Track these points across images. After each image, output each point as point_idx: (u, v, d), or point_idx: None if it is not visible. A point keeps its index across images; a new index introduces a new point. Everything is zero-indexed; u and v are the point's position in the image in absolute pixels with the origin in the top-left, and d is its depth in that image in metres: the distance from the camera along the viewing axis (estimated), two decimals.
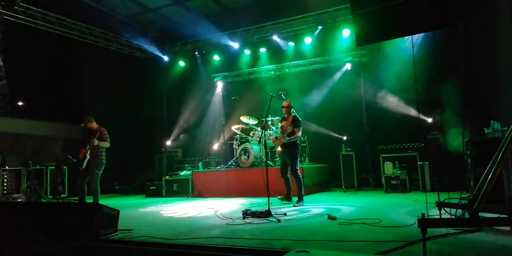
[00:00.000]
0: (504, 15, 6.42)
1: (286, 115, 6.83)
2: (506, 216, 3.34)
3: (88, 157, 6.55)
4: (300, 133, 6.63)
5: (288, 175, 6.77)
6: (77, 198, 6.78)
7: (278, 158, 8.89)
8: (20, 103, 13.64)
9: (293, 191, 6.77)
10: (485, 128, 5.30)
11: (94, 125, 6.88)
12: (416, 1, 3.78)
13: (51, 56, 12.94)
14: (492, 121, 5.18)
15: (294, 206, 6.26)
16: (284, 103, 6.81)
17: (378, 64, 9.63)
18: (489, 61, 7.36)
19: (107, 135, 6.85)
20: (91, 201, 6.49)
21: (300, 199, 6.43)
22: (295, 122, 6.56)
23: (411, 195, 7.34)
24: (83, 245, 3.96)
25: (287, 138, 6.57)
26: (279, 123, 6.95)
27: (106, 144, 6.80)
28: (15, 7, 9.32)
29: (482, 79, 7.39)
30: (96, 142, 6.56)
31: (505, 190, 3.67)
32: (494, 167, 3.28)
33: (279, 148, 6.97)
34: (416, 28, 4.04)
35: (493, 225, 3.35)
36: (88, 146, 6.55)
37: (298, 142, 6.71)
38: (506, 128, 4.97)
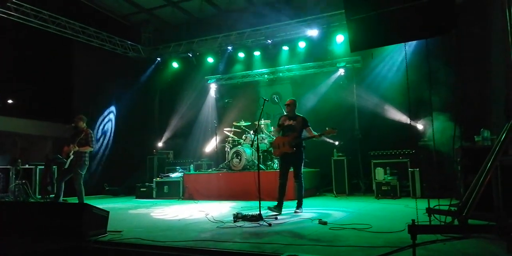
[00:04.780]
0: (496, 24, 6.52)
1: (290, 114, 6.23)
2: (495, 224, 3.37)
3: (71, 156, 6.49)
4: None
5: (286, 181, 6.11)
6: (66, 198, 6.71)
7: (275, 161, 8.67)
8: (10, 101, 13.51)
9: (292, 196, 6.41)
10: (475, 136, 5.38)
11: (82, 125, 6.73)
12: (410, 9, 3.82)
13: (43, 55, 12.85)
14: (482, 129, 5.27)
15: (295, 212, 5.90)
16: (290, 101, 6.22)
17: (371, 70, 9.73)
18: (481, 69, 7.46)
19: (92, 139, 6.69)
20: (76, 202, 6.42)
21: (301, 205, 6.08)
22: (307, 123, 6.17)
23: (401, 201, 7.38)
24: (71, 246, 3.92)
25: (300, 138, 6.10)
26: (284, 122, 6.23)
27: (87, 149, 6.64)
28: (8, 4, 9.23)
29: (474, 87, 7.48)
30: (76, 148, 6.46)
31: (494, 198, 3.72)
32: (484, 175, 3.32)
33: (283, 149, 6.10)
34: (410, 35, 4.07)
35: (481, 232, 3.38)
36: (71, 145, 6.47)
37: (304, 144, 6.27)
38: (495, 136, 5.05)
